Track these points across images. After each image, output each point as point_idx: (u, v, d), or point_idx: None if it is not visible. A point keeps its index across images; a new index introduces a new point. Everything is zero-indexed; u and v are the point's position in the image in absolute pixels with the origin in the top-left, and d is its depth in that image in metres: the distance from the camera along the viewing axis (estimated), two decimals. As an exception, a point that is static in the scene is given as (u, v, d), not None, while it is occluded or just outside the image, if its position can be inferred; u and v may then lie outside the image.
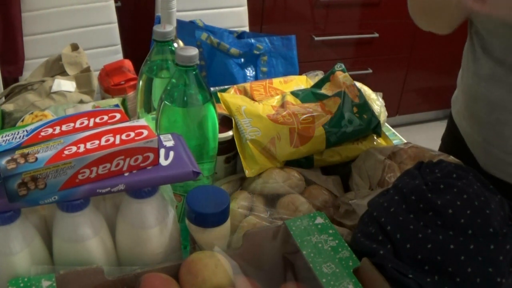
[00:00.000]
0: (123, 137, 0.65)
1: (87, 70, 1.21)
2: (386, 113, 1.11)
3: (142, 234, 0.67)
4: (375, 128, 0.98)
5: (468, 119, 0.99)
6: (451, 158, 0.90)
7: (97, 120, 0.70)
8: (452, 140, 1.05)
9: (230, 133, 0.92)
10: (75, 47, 1.25)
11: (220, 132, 0.87)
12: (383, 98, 1.12)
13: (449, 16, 0.87)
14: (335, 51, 2.58)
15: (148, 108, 0.93)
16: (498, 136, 0.91)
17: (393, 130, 1.23)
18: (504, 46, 0.86)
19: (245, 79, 1.38)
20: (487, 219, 0.66)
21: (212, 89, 1.11)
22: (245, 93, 1.09)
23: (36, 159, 0.61)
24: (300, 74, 1.22)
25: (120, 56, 1.84)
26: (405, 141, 1.05)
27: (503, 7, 0.71)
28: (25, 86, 1.17)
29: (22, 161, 0.60)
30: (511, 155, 0.90)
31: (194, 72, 0.77)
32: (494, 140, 0.92)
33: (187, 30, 1.38)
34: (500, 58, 0.87)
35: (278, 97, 1.04)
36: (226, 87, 1.12)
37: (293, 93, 1.04)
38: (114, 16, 1.80)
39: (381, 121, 1.04)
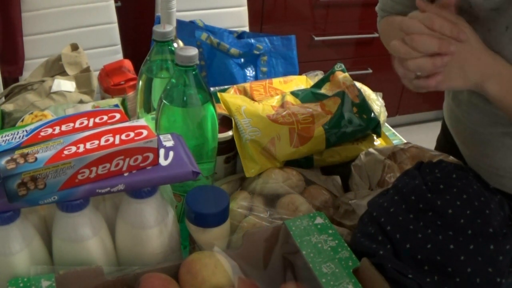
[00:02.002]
0: (123, 137, 0.65)
1: (87, 70, 1.21)
2: (386, 113, 1.11)
3: (141, 234, 0.67)
4: (375, 128, 0.98)
5: (454, 135, 1.00)
6: (451, 158, 0.90)
7: (97, 120, 0.70)
8: (446, 144, 1.06)
9: (230, 133, 0.92)
10: (75, 47, 1.25)
11: (220, 132, 0.87)
12: (383, 98, 1.12)
13: None
14: (335, 51, 2.58)
15: (147, 108, 0.93)
16: (483, 155, 0.92)
17: (393, 130, 1.23)
18: None
19: (245, 79, 1.38)
20: (487, 219, 0.66)
21: (212, 89, 1.11)
22: (245, 93, 1.09)
23: (36, 159, 0.60)
24: (300, 74, 1.22)
25: (120, 56, 1.84)
26: (405, 141, 1.05)
27: (456, 77, 0.72)
28: (25, 86, 1.17)
29: (21, 161, 0.60)
30: (500, 170, 0.90)
31: (193, 72, 0.77)
32: (481, 158, 0.93)
33: (187, 30, 1.38)
34: None
35: (278, 97, 1.04)
36: (226, 87, 1.12)
37: (293, 93, 1.04)
38: (114, 16, 1.80)
39: (381, 121, 1.04)
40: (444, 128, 1.07)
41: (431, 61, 0.69)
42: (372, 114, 0.98)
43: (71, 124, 0.69)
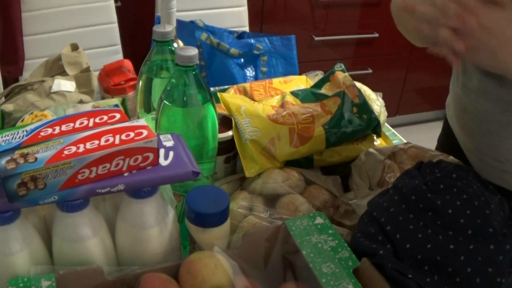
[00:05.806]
0: (123, 137, 0.65)
1: (87, 70, 1.21)
2: (386, 113, 1.11)
3: (141, 234, 0.67)
4: (375, 128, 0.98)
5: (460, 128, 0.99)
6: (451, 158, 0.90)
7: (97, 120, 0.70)
8: (448, 143, 1.05)
9: (230, 133, 0.92)
10: (75, 47, 1.25)
11: (220, 132, 0.87)
12: (383, 98, 1.12)
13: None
14: (335, 51, 2.58)
15: (148, 108, 0.93)
16: (489, 146, 0.91)
17: (393, 130, 1.23)
18: None
19: (245, 79, 1.38)
20: (487, 219, 0.66)
21: (212, 89, 1.11)
22: (245, 93, 1.09)
23: (36, 159, 0.60)
24: (300, 74, 1.22)
25: (120, 56, 1.84)
26: (405, 141, 1.05)
27: (484, 56, 0.68)
28: (25, 86, 1.17)
29: (21, 161, 0.60)
30: (504, 164, 0.90)
31: (193, 72, 0.77)
32: (486, 150, 0.92)
33: (187, 30, 1.38)
34: (488, 70, 0.86)
35: (278, 97, 1.04)
36: (226, 87, 1.12)
37: (293, 93, 1.04)
38: (114, 16, 1.80)
39: (381, 121, 1.04)
40: (446, 127, 1.07)
41: (429, 27, 0.59)
42: (372, 114, 0.97)
43: (71, 124, 0.69)
